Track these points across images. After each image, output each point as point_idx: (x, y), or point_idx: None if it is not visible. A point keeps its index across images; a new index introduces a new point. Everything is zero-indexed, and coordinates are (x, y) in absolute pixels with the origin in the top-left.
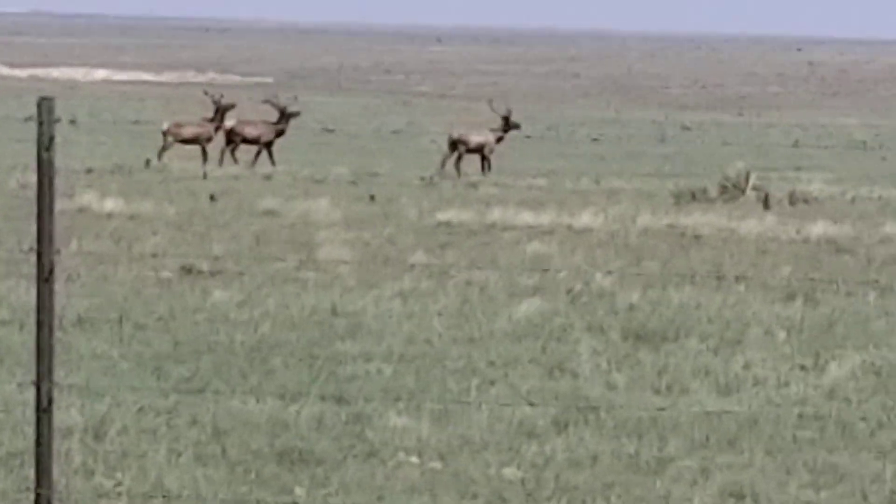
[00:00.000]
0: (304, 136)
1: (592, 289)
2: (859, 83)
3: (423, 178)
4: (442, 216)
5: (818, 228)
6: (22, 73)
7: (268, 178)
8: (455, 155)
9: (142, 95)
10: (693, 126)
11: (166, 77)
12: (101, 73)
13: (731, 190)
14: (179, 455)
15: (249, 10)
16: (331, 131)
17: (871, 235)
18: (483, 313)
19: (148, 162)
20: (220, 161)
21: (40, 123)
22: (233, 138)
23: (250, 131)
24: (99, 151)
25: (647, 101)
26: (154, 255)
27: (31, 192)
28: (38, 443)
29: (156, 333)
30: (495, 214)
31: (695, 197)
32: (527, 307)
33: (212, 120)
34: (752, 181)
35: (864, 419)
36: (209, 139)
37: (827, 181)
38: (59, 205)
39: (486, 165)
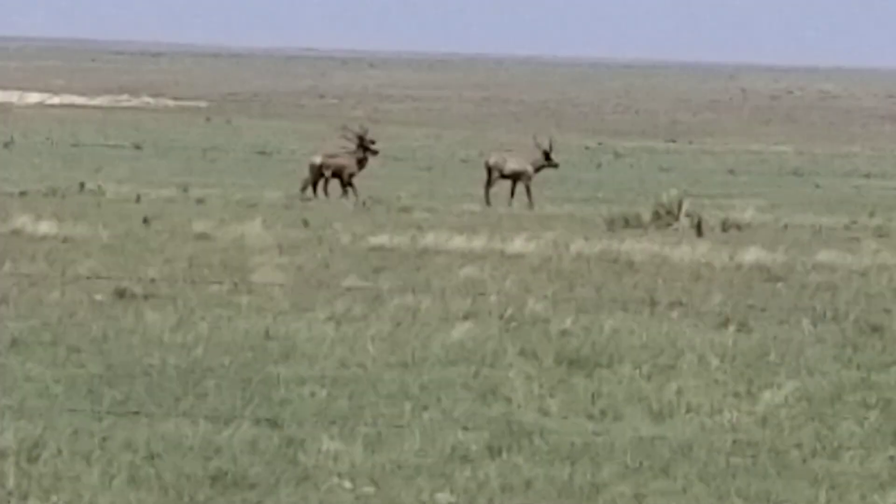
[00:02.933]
0: (236, 160)
1: (525, 314)
2: (792, 110)
3: (355, 203)
4: (375, 240)
5: (751, 255)
6: None
7: (200, 201)
8: (489, 182)
9: (75, 119)
10: (626, 152)
11: (100, 101)
12: (34, 97)
13: (665, 216)
14: (113, 478)
15: (182, 35)
16: (266, 154)
17: (804, 263)
18: (416, 338)
19: (82, 185)
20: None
21: None
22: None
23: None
24: (33, 174)
25: (579, 127)
26: (88, 278)
27: None
28: None
29: (89, 356)
30: (428, 239)
31: (628, 223)
32: (460, 332)
33: (355, 152)
34: (684, 208)
35: (797, 446)
36: (353, 173)
37: (760, 208)
38: None
39: (517, 193)
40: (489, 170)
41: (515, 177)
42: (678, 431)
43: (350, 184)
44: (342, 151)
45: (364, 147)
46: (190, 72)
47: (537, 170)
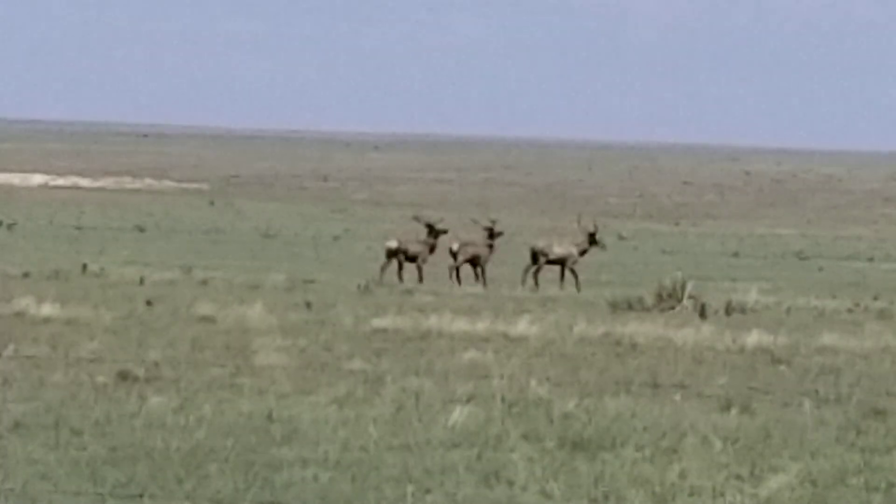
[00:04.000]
0: (240, 243)
1: (528, 397)
2: (796, 193)
3: (359, 286)
4: (378, 323)
5: (754, 338)
6: None
7: (204, 283)
8: (535, 266)
9: (79, 200)
10: (629, 235)
11: (103, 182)
12: (37, 179)
13: (668, 299)
14: None
15: (185, 117)
16: (272, 237)
17: (807, 345)
18: (419, 420)
19: (85, 267)
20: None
21: None
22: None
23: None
24: (36, 256)
25: (583, 210)
26: (91, 360)
27: None
28: None
29: (92, 438)
30: (431, 321)
31: (631, 306)
32: (462, 415)
33: (487, 241)
34: (688, 290)
35: None
36: (425, 259)
37: (763, 291)
38: None
39: (569, 277)
40: (535, 254)
41: (562, 261)
42: None
43: (483, 271)
44: (413, 238)
45: (493, 236)
46: (192, 154)
47: (582, 252)
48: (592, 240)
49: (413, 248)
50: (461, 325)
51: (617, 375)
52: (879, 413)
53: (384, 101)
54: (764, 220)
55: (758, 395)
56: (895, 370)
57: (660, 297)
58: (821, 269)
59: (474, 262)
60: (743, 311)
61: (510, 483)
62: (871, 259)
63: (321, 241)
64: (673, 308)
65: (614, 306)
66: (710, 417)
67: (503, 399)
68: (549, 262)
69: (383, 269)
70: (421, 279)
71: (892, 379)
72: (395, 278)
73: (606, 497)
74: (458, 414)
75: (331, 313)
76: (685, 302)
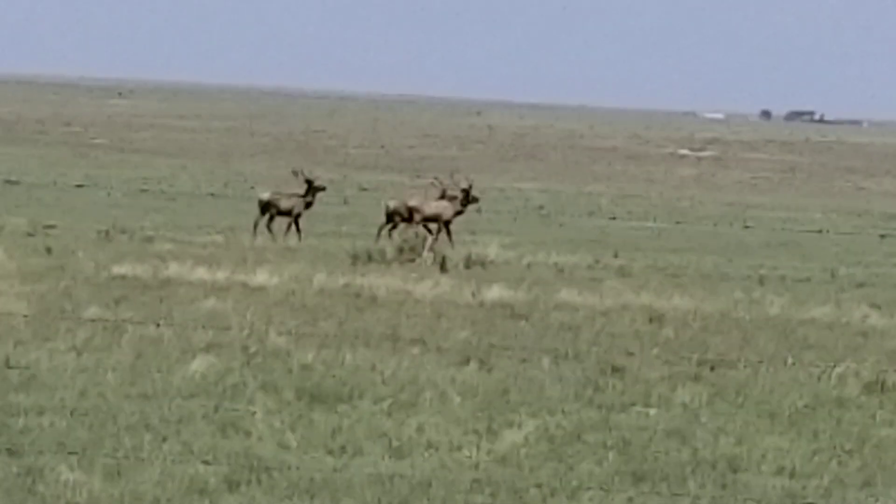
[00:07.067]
0: None
1: (267, 347)
2: (536, 148)
3: (99, 232)
4: (118, 270)
5: (494, 293)
6: None
7: None
8: (399, 223)
9: None
10: (371, 186)
11: None
12: None
13: (408, 252)
14: None
15: None
16: (15, 183)
17: (547, 301)
18: (157, 369)
19: None
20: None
21: None
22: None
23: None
24: None
25: (325, 160)
26: None
27: None
28: None
29: None
30: (171, 270)
31: (372, 258)
32: (201, 364)
33: (304, 196)
34: (428, 243)
35: (537, 486)
36: (299, 214)
37: (503, 245)
38: None
39: (448, 236)
40: (410, 211)
41: (435, 219)
42: (417, 468)
43: (297, 224)
44: (289, 192)
45: (312, 190)
46: None
47: (458, 212)
48: (467, 198)
49: (285, 203)
50: (201, 273)
51: (356, 327)
52: (617, 370)
53: (128, 46)
54: (505, 175)
55: (497, 351)
56: (633, 328)
57: (400, 250)
58: (561, 224)
59: (288, 214)
60: (483, 265)
61: (247, 433)
62: (613, 217)
63: (63, 186)
64: (413, 261)
65: (355, 258)
66: (449, 372)
67: (242, 349)
68: (425, 219)
69: (256, 224)
70: (296, 234)
71: (629, 337)
72: (279, 235)
73: (344, 449)
74: (197, 363)
75: (71, 259)
76: (425, 255)
